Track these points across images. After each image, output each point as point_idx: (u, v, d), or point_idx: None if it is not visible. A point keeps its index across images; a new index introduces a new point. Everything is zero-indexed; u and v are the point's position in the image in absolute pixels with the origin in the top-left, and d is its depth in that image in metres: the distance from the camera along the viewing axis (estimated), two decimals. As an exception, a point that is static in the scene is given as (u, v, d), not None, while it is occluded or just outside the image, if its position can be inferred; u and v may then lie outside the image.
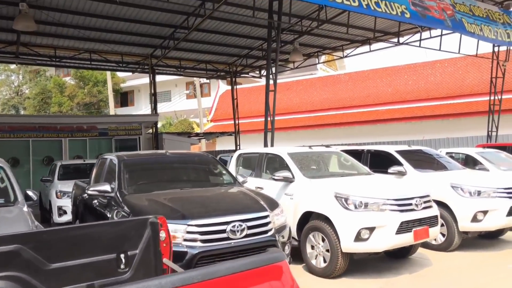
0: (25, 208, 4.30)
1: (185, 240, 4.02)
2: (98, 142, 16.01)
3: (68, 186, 8.79)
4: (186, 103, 34.66)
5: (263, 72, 18.28)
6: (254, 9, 10.01)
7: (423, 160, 8.23)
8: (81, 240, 2.72)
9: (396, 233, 5.31)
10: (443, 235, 6.70)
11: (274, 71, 10.55)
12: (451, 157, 9.04)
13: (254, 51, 16.27)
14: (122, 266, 2.80)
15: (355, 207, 5.38)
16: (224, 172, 6.02)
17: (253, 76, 19.96)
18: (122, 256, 2.80)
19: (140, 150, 15.77)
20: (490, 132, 14.29)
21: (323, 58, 21.73)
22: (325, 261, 5.55)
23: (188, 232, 4.04)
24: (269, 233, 4.42)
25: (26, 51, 14.16)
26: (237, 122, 19.00)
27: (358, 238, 5.25)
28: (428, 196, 5.95)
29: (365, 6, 9.17)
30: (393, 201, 5.47)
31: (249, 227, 4.27)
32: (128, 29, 13.27)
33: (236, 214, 4.29)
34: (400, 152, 7.78)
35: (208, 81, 31.37)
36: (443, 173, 7.52)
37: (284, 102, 27.21)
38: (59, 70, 36.19)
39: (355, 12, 10.46)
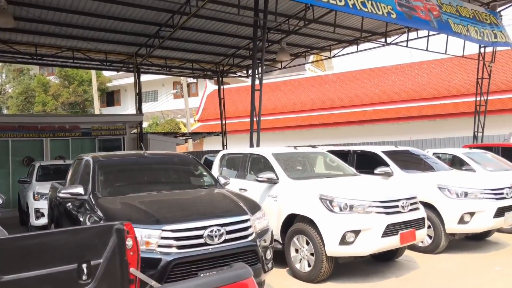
0: None
1: (159, 246, 3.79)
2: (81, 142, 15.62)
3: (46, 187, 8.44)
4: (174, 103, 34.25)
5: (250, 71, 18.08)
6: (239, 7, 9.82)
7: (410, 161, 8.14)
8: (38, 250, 2.48)
9: (382, 236, 5.19)
10: (430, 237, 6.61)
11: (260, 71, 10.40)
12: (438, 157, 8.98)
13: (241, 50, 16.09)
14: (84, 277, 2.57)
15: (340, 210, 5.24)
16: (205, 173, 5.80)
17: (240, 76, 19.78)
18: (84, 266, 2.58)
19: (124, 150, 15.43)
20: (476, 133, 14.33)
21: (311, 58, 21.67)
22: (309, 265, 5.41)
23: (163, 238, 3.81)
24: (250, 238, 4.22)
25: (6, 49, 13.76)
26: (224, 122, 18.80)
27: (343, 241, 5.11)
28: (415, 197, 5.83)
29: (351, 6, 9.07)
30: (379, 203, 5.35)
31: (228, 232, 4.06)
32: (112, 27, 12.95)
33: (214, 218, 4.08)
34: (386, 153, 7.67)
35: (195, 80, 31.04)
36: (430, 174, 7.44)
37: (272, 102, 27.09)
38: (43, 69, 35.45)
39: (342, 12, 10.38)
